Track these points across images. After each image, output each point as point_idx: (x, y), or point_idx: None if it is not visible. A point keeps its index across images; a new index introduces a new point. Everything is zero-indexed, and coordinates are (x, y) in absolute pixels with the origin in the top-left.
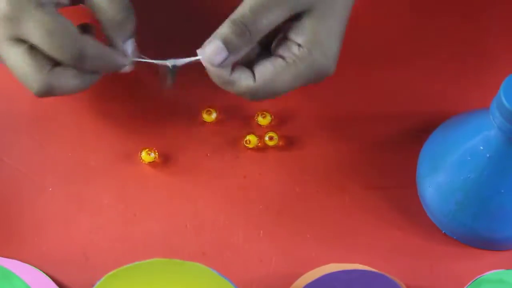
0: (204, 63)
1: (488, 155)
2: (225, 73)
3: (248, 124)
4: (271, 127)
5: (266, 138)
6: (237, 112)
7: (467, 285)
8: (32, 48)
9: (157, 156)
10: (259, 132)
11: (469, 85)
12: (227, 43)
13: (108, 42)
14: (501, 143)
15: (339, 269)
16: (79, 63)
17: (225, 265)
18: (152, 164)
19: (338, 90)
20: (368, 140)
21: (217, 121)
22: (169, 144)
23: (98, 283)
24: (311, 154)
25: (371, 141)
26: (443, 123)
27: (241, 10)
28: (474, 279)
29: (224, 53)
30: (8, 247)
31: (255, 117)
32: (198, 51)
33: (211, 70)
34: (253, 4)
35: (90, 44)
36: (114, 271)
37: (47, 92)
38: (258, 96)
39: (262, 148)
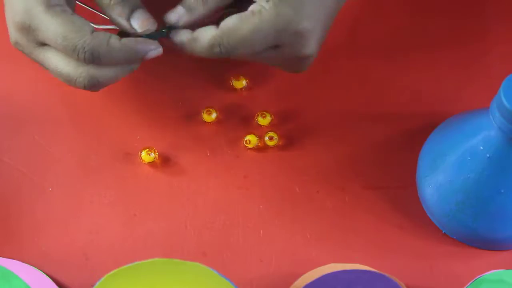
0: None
1: (488, 155)
2: (187, 34)
3: (248, 124)
4: (271, 127)
5: (266, 138)
6: (237, 112)
7: (467, 285)
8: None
9: (157, 156)
10: (259, 132)
11: (469, 85)
12: (184, 3)
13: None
14: (501, 143)
15: (339, 269)
16: (96, 62)
17: (225, 265)
18: (152, 164)
19: (338, 90)
20: (368, 140)
21: (217, 121)
22: (169, 144)
23: (98, 283)
24: (311, 154)
25: (371, 141)
26: (443, 123)
27: None
28: (474, 279)
29: (180, 10)
30: (8, 247)
31: (255, 117)
32: (166, 19)
33: (175, 39)
34: None
35: (103, 41)
36: (114, 271)
37: (93, 84)
38: (223, 45)
39: (262, 148)
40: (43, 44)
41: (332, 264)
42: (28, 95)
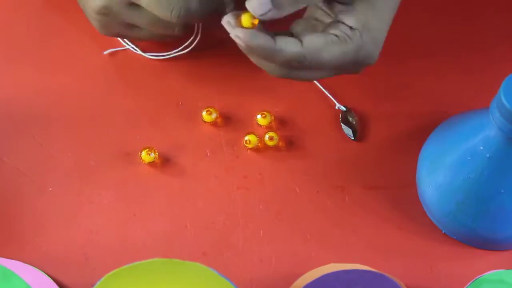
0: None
1: (488, 155)
2: (269, 42)
3: (248, 124)
4: (271, 127)
5: (266, 138)
6: (237, 112)
7: (467, 285)
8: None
9: (157, 156)
10: (259, 132)
11: (469, 85)
12: None
13: None
14: (501, 143)
15: (339, 269)
16: (189, 18)
17: (225, 265)
18: (152, 164)
19: (337, 90)
20: (368, 140)
21: (217, 121)
22: (169, 144)
23: (98, 283)
24: (311, 154)
25: (371, 141)
26: (443, 123)
27: None
28: (474, 279)
29: (268, 4)
30: (8, 247)
31: (255, 117)
32: (246, 3)
33: (255, 43)
34: None
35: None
36: (115, 270)
37: (187, 15)
38: (304, 62)
39: (262, 148)
40: (133, 4)
41: (332, 264)
42: (28, 95)
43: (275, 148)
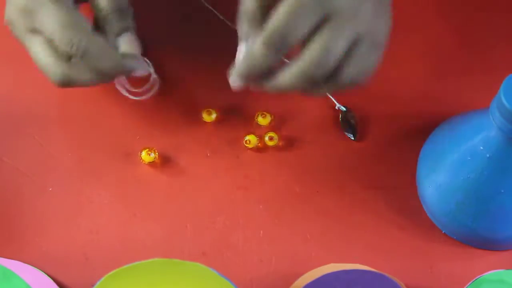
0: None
1: (488, 155)
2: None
3: (248, 124)
4: (271, 127)
5: (266, 138)
6: (237, 112)
7: (467, 285)
8: (51, 40)
9: (157, 156)
10: (259, 132)
11: (469, 85)
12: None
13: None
14: (501, 143)
15: (339, 269)
16: (85, 59)
17: (225, 265)
18: (152, 164)
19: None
20: (368, 140)
21: (217, 121)
22: (169, 144)
23: (98, 283)
24: (311, 154)
25: (371, 141)
26: (443, 123)
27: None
28: (474, 279)
29: (238, 81)
30: (8, 247)
31: (255, 117)
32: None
33: (242, 67)
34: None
35: (98, 43)
36: (114, 271)
37: (66, 83)
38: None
39: (262, 148)
40: (35, 31)
41: (332, 264)
42: (28, 95)
43: (275, 148)
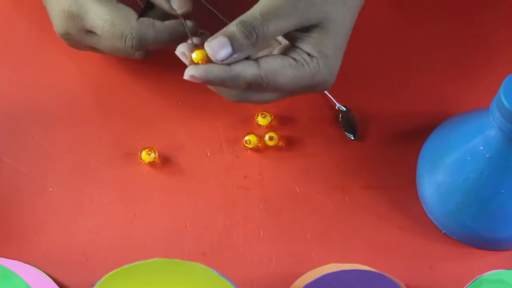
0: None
1: (488, 155)
2: (224, 71)
3: (248, 124)
4: (271, 127)
5: (266, 138)
6: (237, 112)
7: (467, 285)
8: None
9: (157, 156)
10: (259, 132)
11: (469, 85)
12: (232, 41)
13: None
14: (501, 143)
15: (339, 269)
16: (144, 46)
17: (225, 265)
18: (152, 164)
19: (337, 90)
20: (368, 140)
21: (217, 121)
22: (169, 144)
23: (98, 283)
24: (311, 154)
25: (371, 141)
26: (443, 123)
27: (252, 13)
28: (474, 279)
29: (228, 49)
30: (8, 247)
31: (255, 117)
32: (205, 44)
33: (211, 77)
34: (264, 9)
35: (149, 27)
36: (114, 271)
37: (147, 54)
38: (262, 84)
39: (262, 148)
40: (91, 32)
41: (332, 264)
42: (28, 95)
43: (275, 148)
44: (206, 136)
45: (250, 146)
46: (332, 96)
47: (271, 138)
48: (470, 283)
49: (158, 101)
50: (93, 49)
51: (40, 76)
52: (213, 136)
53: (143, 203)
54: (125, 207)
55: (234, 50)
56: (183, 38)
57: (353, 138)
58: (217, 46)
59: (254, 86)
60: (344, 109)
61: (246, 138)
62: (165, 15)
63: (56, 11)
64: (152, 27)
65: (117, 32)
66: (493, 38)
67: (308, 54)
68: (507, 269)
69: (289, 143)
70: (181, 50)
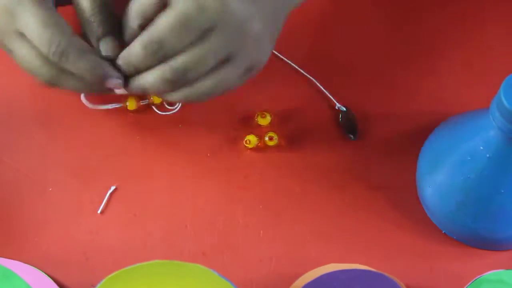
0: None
1: (488, 155)
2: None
3: (248, 124)
4: (271, 127)
5: (266, 138)
6: (237, 112)
7: (467, 285)
8: (32, 41)
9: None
10: (259, 132)
11: (469, 85)
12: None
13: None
14: (501, 143)
15: (339, 269)
16: (64, 60)
17: (225, 265)
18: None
19: (337, 90)
20: (368, 140)
21: (217, 121)
22: (169, 144)
23: (98, 285)
24: (311, 154)
25: (371, 141)
26: (443, 123)
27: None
28: (474, 279)
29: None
30: (8, 247)
31: (255, 117)
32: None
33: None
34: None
35: (78, 45)
36: (115, 273)
37: (53, 84)
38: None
39: (262, 148)
40: (18, 34)
41: (332, 264)
42: (28, 95)
43: (275, 148)
44: (206, 136)
45: (250, 146)
46: (332, 96)
47: (271, 138)
48: (470, 283)
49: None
50: (10, 52)
51: None
52: (213, 136)
53: (143, 203)
54: (125, 207)
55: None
56: (98, 80)
57: (353, 138)
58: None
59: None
60: (344, 109)
61: (246, 138)
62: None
63: None
64: (80, 50)
65: (47, 35)
66: (493, 38)
67: None
68: (507, 269)
69: (289, 143)
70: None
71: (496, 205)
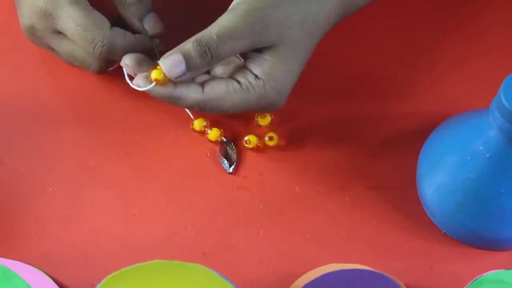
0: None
1: (488, 155)
2: (167, 91)
3: (248, 124)
4: (271, 127)
5: (266, 138)
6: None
7: (467, 285)
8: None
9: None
10: (259, 132)
11: (469, 85)
12: (187, 60)
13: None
14: (501, 143)
15: (339, 269)
16: (112, 55)
17: (225, 265)
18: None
19: (338, 90)
20: (368, 140)
21: (217, 121)
22: (170, 144)
23: (98, 285)
24: (311, 154)
25: (371, 141)
26: (443, 123)
27: (208, 33)
28: (474, 279)
29: (182, 67)
30: (8, 247)
31: (255, 117)
32: (160, 60)
33: (153, 93)
34: (221, 30)
35: (120, 36)
36: (115, 273)
37: (104, 70)
38: (205, 110)
39: (262, 148)
40: (58, 33)
41: (332, 264)
42: (28, 95)
43: (275, 148)
44: (206, 136)
45: (250, 146)
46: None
47: (271, 138)
48: (470, 283)
49: (158, 101)
50: (51, 50)
51: (40, 76)
52: (213, 136)
53: (143, 203)
54: (125, 207)
55: (188, 69)
56: (148, 54)
57: (229, 171)
58: (172, 63)
59: (197, 109)
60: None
61: (246, 138)
62: (133, 31)
63: (29, 4)
64: (123, 38)
65: (89, 36)
66: (493, 38)
67: (256, 76)
68: (507, 269)
69: (289, 143)
70: (125, 62)
71: (496, 205)
